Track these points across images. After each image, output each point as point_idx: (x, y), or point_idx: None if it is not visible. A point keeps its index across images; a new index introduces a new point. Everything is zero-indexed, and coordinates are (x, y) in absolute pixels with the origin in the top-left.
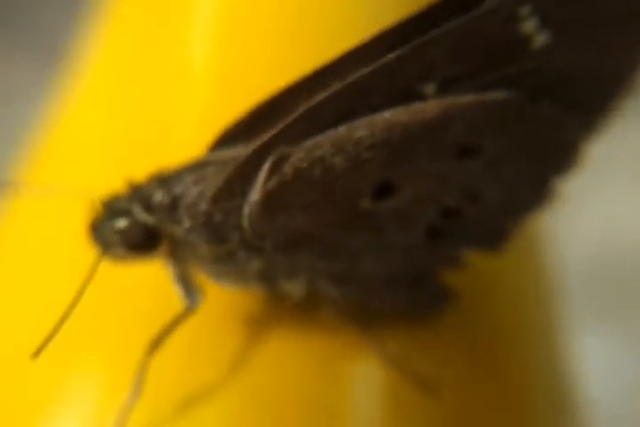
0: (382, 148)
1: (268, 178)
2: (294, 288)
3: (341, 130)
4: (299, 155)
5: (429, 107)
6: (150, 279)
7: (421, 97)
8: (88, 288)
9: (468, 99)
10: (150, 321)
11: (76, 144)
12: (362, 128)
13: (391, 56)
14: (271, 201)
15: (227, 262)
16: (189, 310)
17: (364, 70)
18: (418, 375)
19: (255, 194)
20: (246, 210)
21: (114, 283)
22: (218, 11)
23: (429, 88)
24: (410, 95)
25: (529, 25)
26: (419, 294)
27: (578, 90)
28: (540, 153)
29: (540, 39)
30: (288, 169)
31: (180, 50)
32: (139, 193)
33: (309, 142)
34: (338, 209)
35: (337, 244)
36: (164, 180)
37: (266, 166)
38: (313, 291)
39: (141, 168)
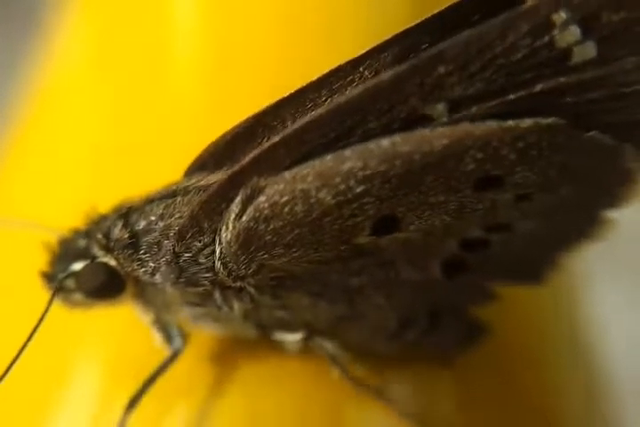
0: (379, 181)
1: (241, 213)
2: (290, 341)
3: (328, 160)
4: (277, 187)
5: (438, 136)
6: None
7: (427, 119)
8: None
9: (488, 127)
10: None
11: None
12: (353, 159)
13: (389, 73)
14: (246, 239)
15: (202, 306)
16: (172, 357)
17: (357, 90)
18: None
19: (227, 232)
20: (218, 250)
21: None
22: None
23: (437, 109)
24: (413, 118)
25: (568, 34)
26: (442, 333)
27: (631, 110)
28: (589, 182)
29: (582, 52)
30: (264, 203)
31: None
32: (98, 228)
33: (289, 174)
34: (329, 247)
35: (334, 283)
36: (126, 212)
37: (237, 200)
38: (312, 347)
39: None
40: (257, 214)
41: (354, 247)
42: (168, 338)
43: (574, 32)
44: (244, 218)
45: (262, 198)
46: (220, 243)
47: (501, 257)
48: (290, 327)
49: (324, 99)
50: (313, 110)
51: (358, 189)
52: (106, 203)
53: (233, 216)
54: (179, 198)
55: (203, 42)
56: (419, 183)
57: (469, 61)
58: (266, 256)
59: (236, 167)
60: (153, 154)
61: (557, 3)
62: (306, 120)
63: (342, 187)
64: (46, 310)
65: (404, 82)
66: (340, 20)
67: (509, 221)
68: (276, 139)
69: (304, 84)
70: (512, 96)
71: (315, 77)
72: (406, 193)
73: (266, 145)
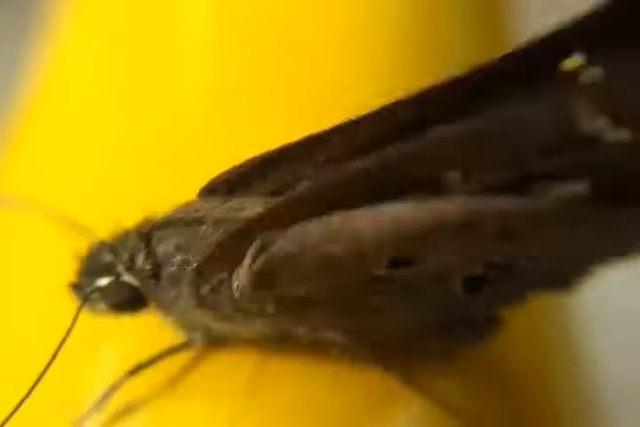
0: (389, 240)
1: (254, 261)
2: (303, 334)
3: (335, 219)
4: (287, 240)
5: (451, 209)
6: None
7: (440, 184)
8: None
9: (504, 203)
10: None
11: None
12: (362, 221)
13: (407, 145)
14: (262, 281)
15: (223, 324)
16: (185, 346)
17: (375, 157)
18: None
19: (243, 278)
20: (236, 289)
21: None
22: None
23: (452, 176)
24: (426, 182)
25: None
26: (457, 328)
27: None
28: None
29: (612, 136)
30: (276, 254)
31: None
32: (123, 248)
33: (296, 230)
34: (347, 279)
35: (353, 301)
36: (148, 232)
37: (250, 251)
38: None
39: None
40: (270, 262)
41: (372, 277)
42: (187, 332)
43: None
44: (258, 265)
45: (273, 249)
46: (238, 286)
47: (527, 272)
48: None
49: (342, 143)
50: (329, 153)
51: (370, 246)
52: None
53: (247, 265)
54: (195, 229)
55: (209, 30)
56: (434, 244)
57: (487, 141)
58: (282, 291)
59: (250, 217)
60: (158, 148)
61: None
62: (323, 180)
63: (352, 245)
64: (74, 320)
65: (424, 152)
66: (348, 29)
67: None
68: (288, 195)
69: (318, 131)
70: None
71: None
72: (421, 250)
73: (279, 200)
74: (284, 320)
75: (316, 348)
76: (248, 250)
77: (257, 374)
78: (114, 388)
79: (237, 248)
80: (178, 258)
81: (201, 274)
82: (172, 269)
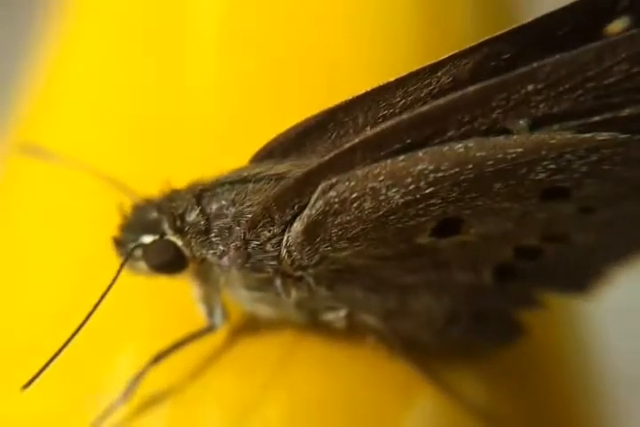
0: (449, 184)
1: (312, 206)
2: (336, 319)
3: (401, 160)
4: (348, 184)
5: (513, 143)
6: None
7: (506, 134)
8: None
9: (563, 137)
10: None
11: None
12: (426, 160)
13: (477, 86)
14: (314, 231)
15: (261, 290)
16: (208, 330)
17: (442, 100)
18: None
19: (297, 223)
20: (286, 239)
21: None
22: None
23: (518, 125)
24: (492, 131)
25: None
26: (483, 331)
27: None
28: None
29: None
30: (335, 198)
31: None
32: (171, 207)
33: (362, 171)
34: (390, 244)
35: (388, 279)
36: (200, 194)
37: (314, 196)
38: (356, 323)
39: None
40: (327, 208)
41: (413, 246)
42: (210, 313)
43: None
44: (314, 211)
45: (333, 193)
46: (289, 232)
47: (552, 266)
48: (338, 311)
49: (398, 99)
50: (386, 110)
51: (427, 191)
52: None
53: (306, 213)
54: (250, 185)
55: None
56: (487, 189)
57: (560, 82)
58: (329, 248)
59: (314, 165)
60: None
61: None
62: (386, 125)
63: (412, 187)
64: (116, 276)
65: (491, 96)
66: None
67: (567, 232)
68: (355, 140)
69: (380, 84)
70: (597, 118)
71: (392, 78)
72: (473, 197)
73: (345, 146)
74: (319, 298)
75: (350, 335)
76: (308, 196)
77: (286, 358)
78: (138, 377)
79: (294, 200)
80: (232, 210)
81: (255, 226)
82: (225, 220)
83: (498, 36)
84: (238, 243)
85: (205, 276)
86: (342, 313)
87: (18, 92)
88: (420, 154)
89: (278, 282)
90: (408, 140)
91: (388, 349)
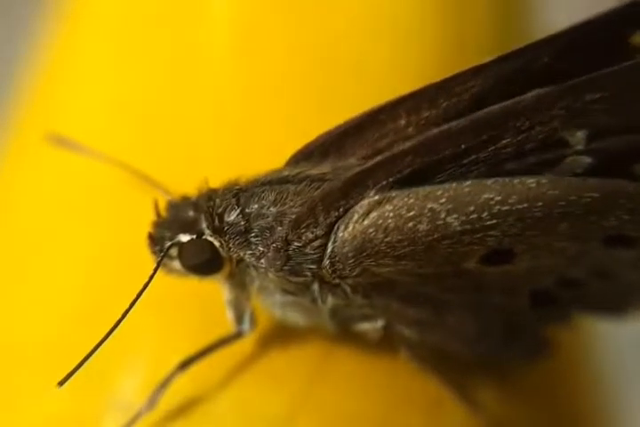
0: (513, 218)
1: (364, 217)
2: (372, 330)
3: (467, 186)
4: (406, 200)
5: (590, 187)
6: None
7: (562, 144)
8: None
9: None
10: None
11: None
12: (494, 191)
13: (537, 92)
14: (362, 246)
15: (296, 295)
16: (236, 336)
17: (498, 106)
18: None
19: (345, 232)
20: (330, 247)
21: None
22: None
23: (576, 136)
24: (548, 141)
25: None
26: (513, 343)
27: None
28: None
29: None
30: (390, 213)
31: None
32: (210, 206)
33: (422, 190)
34: (435, 265)
35: (425, 295)
36: (238, 194)
37: (365, 203)
38: (389, 333)
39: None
40: (379, 222)
41: (457, 269)
42: (239, 319)
43: None
44: (366, 222)
45: (389, 207)
46: (335, 241)
47: (591, 296)
48: (371, 319)
49: (441, 101)
50: (429, 113)
51: (488, 222)
52: None
53: (355, 217)
54: (291, 186)
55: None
56: (551, 228)
57: (622, 92)
58: (373, 263)
59: (364, 167)
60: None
61: None
62: (439, 129)
63: (474, 216)
64: (152, 275)
65: (552, 103)
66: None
67: (617, 271)
68: (406, 144)
69: (422, 86)
70: None
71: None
72: (534, 234)
73: (397, 149)
74: (355, 305)
75: (381, 348)
76: (360, 203)
77: (315, 372)
78: (164, 384)
79: (341, 202)
80: (273, 210)
81: (298, 227)
82: (266, 220)
83: (538, 42)
84: (279, 244)
85: (239, 279)
86: (379, 324)
87: (20, 80)
88: (489, 182)
89: (315, 287)
90: (462, 146)
91: (419, 363)
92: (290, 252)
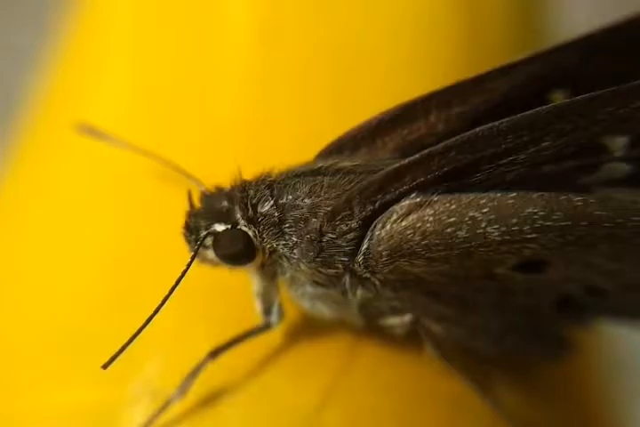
0: (554, 234)
1: (403, 218)
2: (400, 324)
3: (511, 197)
4: (448, 206)
5: (638, 210)
6: None
7: (602, 150)
8: None
9: None
10: None
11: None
12: (538, 205)
13: (584, 96)
14: (398, 246)
15: (327, 287)
16: (264, 328)
17: (542, 109)
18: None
19: (381, 230)
20: (366, 244)
21: None
22: None
23: (617, 142)
24: (588, 145)
25: None
26: (535, 342)
27: None
28: None
29: None
30: (430, 217)
31: None
32: (244, 197)
33: (466, 197)
34: (467, 269)
35: (452, 293)
36: (273, 186)
37: (405, 204)
38: (417, 328)
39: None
40: (418, 224)
41: (488, 273)
42: (267, 310)
43: None
44: (404, 223)
45: (429, 211)
46: (371, 238)
47: (615, 305)
48: (398, 313)
49: (472, 97)
50: (459, 109)
51: (529, 235)
52: None
53: (394, 217)
54: (325, 178)
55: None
56: (590, 247)
57: None
58: (406, 263)
59: (403, 162)
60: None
61: None
62: (481, 128)
63: (515, 229)
64: (189, 263)
65: (598, 107)
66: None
67: None
68: (447, 141)
69: (454, 82)
70: None
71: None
72: (572, 250)
73: (438, 146)
74: (383, 298)
75: (407, 343)
76: (395, 205)
77: (343, 364)
78: (195, 372)
79: (378, 195)
80: (307, 202)
81: (333, 218)
82: (301, 211)
83: (568, 43)
84: (313, 235)
85: (270, 269)
86: (407, 318)
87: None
88: (534, 196)
89: (346, 279)
90: (503, 146)
91: (443, 360)
92: (323, 243)
